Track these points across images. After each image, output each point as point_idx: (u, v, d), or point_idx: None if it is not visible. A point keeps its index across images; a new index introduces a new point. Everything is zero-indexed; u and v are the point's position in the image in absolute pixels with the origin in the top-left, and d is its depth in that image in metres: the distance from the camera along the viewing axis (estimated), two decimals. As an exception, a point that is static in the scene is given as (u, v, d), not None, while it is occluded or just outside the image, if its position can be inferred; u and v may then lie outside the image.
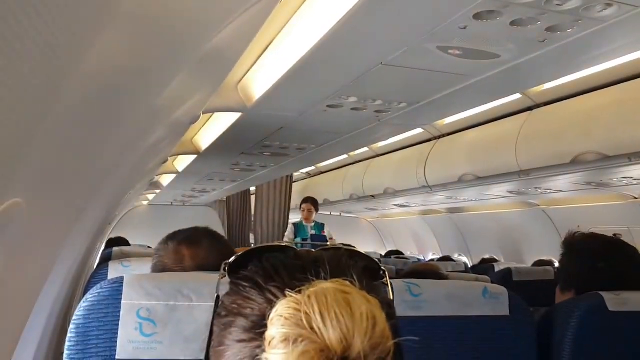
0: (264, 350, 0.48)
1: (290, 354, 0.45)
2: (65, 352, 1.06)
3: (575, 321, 1.30)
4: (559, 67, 1.77)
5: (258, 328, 0.50)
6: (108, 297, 1.07)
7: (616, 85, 2.93)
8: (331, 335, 0.45)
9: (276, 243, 0.63)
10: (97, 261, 3.40)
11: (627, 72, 2.84)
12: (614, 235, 1.63)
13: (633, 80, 2.83)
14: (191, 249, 1.31)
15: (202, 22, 0.97)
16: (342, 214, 7.96)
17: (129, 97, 0.95)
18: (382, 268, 0.62)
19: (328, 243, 6.09)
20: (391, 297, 0.58)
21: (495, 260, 5.15)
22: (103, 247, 5.01)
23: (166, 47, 0.91)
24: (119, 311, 1.06)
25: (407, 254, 6.83)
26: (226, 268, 0.61)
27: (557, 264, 4.32)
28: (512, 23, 1.39)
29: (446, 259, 5.17)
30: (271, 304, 0.50)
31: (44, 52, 0.46)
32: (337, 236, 7.01)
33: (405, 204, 6.06)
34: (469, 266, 4.76)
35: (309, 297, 0.47)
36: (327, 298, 0.47)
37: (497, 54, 1.59)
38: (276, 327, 0.47)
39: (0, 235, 0.60)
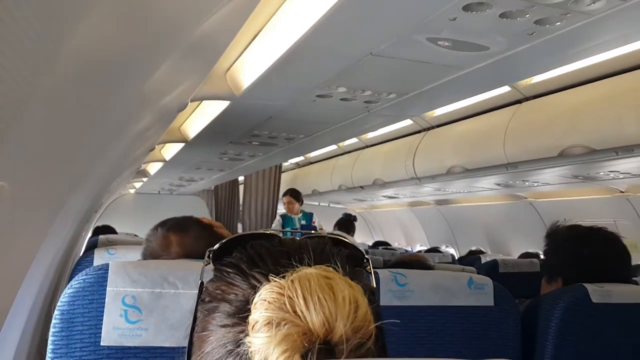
0: (247, 335, 0.48)
1: (274, 337, 0.45)
2: (50, 338, 1.06)
3: (558, 312, 1.31)
4: (548, 60, 1.77)
5: (242, 313, 0.51)
6: (93, 283, 1.07)
7: (604, 79, 2.95)
8: (314, 318, 0.46)
9: (261, 231, 0.63)
10: (83, 249, 3.39)
11: (616, 66, 2.85)
12: (597, 227, 1.64)
13: (621, 75, 2.85)
14: (179, 235, 1.32)
15: (190, 7, 0.96)
16: (331, 205, 7.97)
17: (117, 82, 0.94)
18: (366, 256, 0.63)
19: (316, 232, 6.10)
20: (374, 285, 0.59)
21: (482, 252, 5.19)
22: (90, 235, 4.99)
23: (154, 32, 0.90)
24: (104, 298, 1.06)
25: (395, 245, 6.86)
26: (210, 255, 0.61)
27: (542, 256, 4.36)
28: (501, 15, 1.39)
29: (433, 250, 5.20)
30: (255, 289, 0.51)
31: (27, 34, 0.45)
32: (326, 227, 7.02)
33: (394, 195, 6.07)
34: (456, 258, 4.79)
35: (292, 281, 0.48)
36: (310, 282, 0.47)
37: (486, 46, 1.60)
38: (259, 311, 0.47)
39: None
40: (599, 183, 3.97)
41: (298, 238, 0.61)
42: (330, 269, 0.51)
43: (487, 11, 1.37)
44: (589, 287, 1.33)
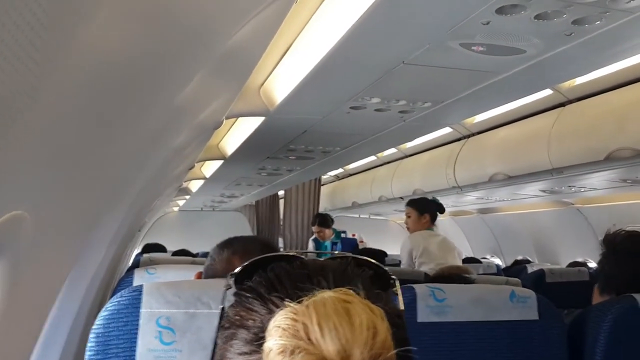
0: None
1: None
2: (86, 360, 1.07)
3: (607, 324, 1.25)
4: (587, 62, 1.70)
5: (259, 340, 0.49)
6: (127, 305, 1.07)
7: (652, 78, 2.83)
8: (329, 346, 0.44)
9: (283, 252, 0.61)
10: (128, 267, 3.45)
11: (663, 64, 2.74)
12: None
13: (670, 72, 2.73)
14: (243, 260, 1.31)
15: (218, 19, 0.96)
16: (371, 216, 7.91)
17: (146, 95, 0.94)
18: (393, 277, 0.60)
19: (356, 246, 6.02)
20: (401, 307, 0.56)
21: (529, 262, 5.04)
22: (138, 252, 5.09)
23: (182, 44, 0.90)
24: (139, 320, 1.06)
25: (439, 256, 6.73)
26: (233, 278, 0.59)
27: (591, 264, 4.21)
28: (537, 17, 1.34)
29: (473, 260, 5.06)
30: (273, 315, 0.49)
31: (43, 40, 0.44)
32: (367, 239, 6.97)
33: (435, 205, 5.98)
34: (502, 268, 4.66)
35: (307, 307, 0.46)
36: (326, 307, 0.46)
37: (523, 49, 1.54)
38: (274, 338, 0.46)
39: (5, 248, 0.59)
40: (650, 186, 3.81)
41: (319, 259, 0.59)
42: (350, 291, 0.49)
43: (521, 13, 1.32)
44: (638, 297, 1.26)
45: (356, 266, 0.57)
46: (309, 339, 0.44)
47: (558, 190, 4.27)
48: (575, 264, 4.27)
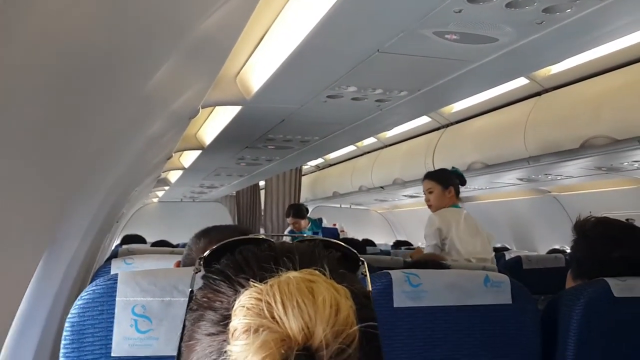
0: (229, 343, 0.47)
1: (251, 345, 0.44)
2: (61, 350, 1.06)
3: (579, 308, 1.27)
4: (560, 50, 1.72)
5: (225, 320, 0.50)
6: (103, 294, 1.07)
7: (625, 67, 2.87)
8: (292, 324, 0.44)
9: (252, 236, 0.61)
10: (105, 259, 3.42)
11: (636, 53, 2.78)
12: (627, 220, 1.58)
13: (643, 61, 2.77)
14: None
15: (188, 5, 0.95)
16: (352, 206, 7.95)
17: (114, 82, 0.93)
18: (361, 259, 0.61)
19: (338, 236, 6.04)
20: (369, 289, 0.57)
21: (507, 249, 5.11)
22: (117, 244, 5.05)
23: (151, 30, 0.89)
24: (114, 308, 1.06)
25: (419, 244, 6.79)
26: (201, 262, 0.60)
27: (569, 251, 4.28)
28: (508, 5, 1.35)
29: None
30: (239, 295, 0.49)
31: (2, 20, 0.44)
32: (348, 228, 7.00)
33: (415, 195, 6.02)
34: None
35: (271, 286, 0.46)
36: (289, 286, 0.46)
37: (495, 37, 1.56)
38: (238, 317, 0.46)
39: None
40: (623, 174, 3.87)
41: (287, 242, 0.59)
42: (315, 272, 0.49)
43: (493, 1, 1.33)
44: (611, 281, 1.28)
45: (324, 248, 0.57)
46: (273, 318, 0.45)
47: (535, 179, 4.33)
48: (554, 251, 4.34)
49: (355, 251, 0.61)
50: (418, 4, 1.36)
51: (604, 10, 1.36)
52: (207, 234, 1.38)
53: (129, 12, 0.73)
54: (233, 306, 0.49)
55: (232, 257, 0.56)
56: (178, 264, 1.45)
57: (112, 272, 1.85)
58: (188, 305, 0.57)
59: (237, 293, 0.50)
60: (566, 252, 4.34)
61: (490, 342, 1.28)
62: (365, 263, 0.61)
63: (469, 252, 2.99)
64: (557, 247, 4.91)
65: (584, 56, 2.92)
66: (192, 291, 0.58)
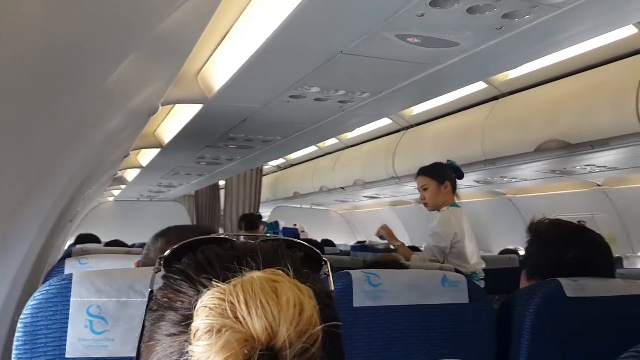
0: (190, 343, 0.46)
1: (214, 345, 0.44)
2: (14, 352, 1.04)
3: (533, 308, 1.31)
4: (519, 55, 1.77)
5: (187, 321, 0.49)
6: (57, 294, 1.05)
7: (579, 74, 2.97)
8: (256, 324, 0.44)
9: (214, 235, 0.61)
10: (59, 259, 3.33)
11: (591, 59, 2.88)
12: (579, 222, 1.63)
13: (596, 68, 2.87)
14: None
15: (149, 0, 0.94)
16: (313, 207, 7.96)
17: (71, 76, 0.91)
18: (324, 259, 0.61)
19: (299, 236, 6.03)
20: (332, 288, 0.57)
21: (464, 250, 5.19)
22: (71, 243, 4.92)
23: (111, 25, 0.87)
24: (68, 309, 1.03)
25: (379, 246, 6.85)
26: (161, 262, 0.59)
27: (522, 252, 4.39)
28: (469, 10, 1.38)
29: (414, 249, 5.18)
30: (201, 296, 0.49)
31: None
32: (308, 229, 7.01)
33: (375, 196, 6.07)
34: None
35: (234, 286, 0.46)
36: (253, 286, 0.46)
37: (456, 42, 1.59)
38: (201, 318, 0.46)
39: None
40: (576, 177, 4.00)
41: (251, 241, 0.59)
42: (279, 272, 0.49)
43: (454, 6, 1.35)
44: (563, 281, 1.32)
45: (287, 248, 0.57)
46: (236, 318, 0.44)
47: (491, 181, 4.43)
48: (506, 251, 4.45)
49: (318, 251, 0.61)
50: (382, 7, 1.38)
51: (561, 17, 1.40)
52: (166, 234, 1.36)
53: (89, 7, 0.71)
54: (195, 306, 0.48)
55: (193, 257, 0.55)
56: (138, 265, 1.43)
57: (67, 272, 1.80)
58: (148, 306, 0.56)
59: (199, 293, 0.49)
60: (519, 252, 4.46)
61: (448, 341, 1.30)
62: (328, 263, 0.61)
63: (475, 264, 2.82)
64: (510, 247, 5.03)
65: (540, 62, 3.01)
66: (152, 291, 0.57)
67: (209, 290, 0.48)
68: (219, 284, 0.47)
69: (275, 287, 0.46)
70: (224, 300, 0.45)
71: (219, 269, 0.51)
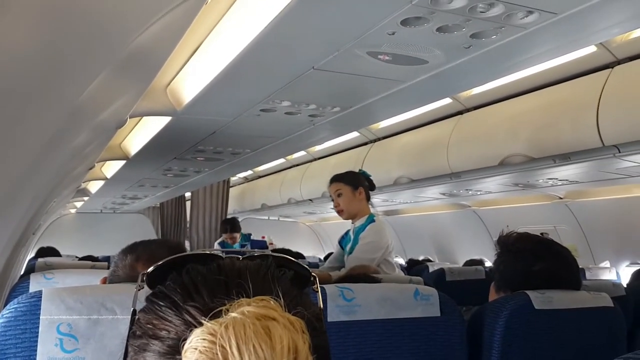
0: None
1: None
2: (-19, 371, 1.00)
3: (503, 320, 1.33)
4: (485, 73, 1.82)
5: (173, 354, 0.47)
6: (25, 312, 1.02)
7: (541, 90, 3.06)
8: None
9: (200, 251, 0.60)
10: (21, 273, 3.23)
11: (551, 77, 2.97)
12: (541, 234, 1.67)
13: (556, 85, 2.96)
14: (147, 267, 1.25)
15: (123, 19, 0.93)
16: (281, 218, 7.94)
17: (44, 96, 0.90)
18: (313, 274, 0.60)
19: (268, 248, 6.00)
20: (321, 306, 0.56)
21: (430, 261, 5.26)
22: (32, 256, 4.78)
23: (85, 44, 0.87)
24: (38, 327, 1.01)
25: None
26: (144, 279, 0.57)
27: (487, 263, 4.47)
28: (439, 29, 1.41)
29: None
30: (189, 327, 0.47)
31: None
32: (276, 241, 6.98)
33: (342, 208, 6.09)
34: (404, 267, 4.84)
35: (226, 327, 0.44)
36: (245, 329, 0.44)
37: (425, 59, 1.62)
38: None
39: None
40: (538, 190, 4.10)
41: (239, 257, 0.57)
42: (271, 303, 0.48)
43: (424, 25, 1.39)
44: (531, 294, 1.35)
45: (277, 267, 0.55)
46: None
47: (456, 193, 4.50)
48: (472, 261, 4.51)
49: (308, 268, 0.60)
50: (354, 25, 1.40)
51: (527, 38, 1.45)
52: (134, 250, 1.32)
53: (64, 26, 0.71)
54: (182, 337, 0.47)
55: (179, 278, 0.53)
56: (104, 281, 1.39)
57: (32, 288, 1.75)
58: (131, 328, 0.54)
59: (185, 324, 0.48)
60: (484, 262, 4.54)
61: (420, 354, 1.31)
62: (317, 279, 0.60)
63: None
64: (475, 258, 5.12)
65: (503, 78, 3.08)
66: (134, 311, 0.55)
67: (196, 326, 0.46)
68: (207, 323, 0.45)
69: (269, 328, 0.44)
70: (214, 343, 0.44)
71: (206, 296, 0.49)
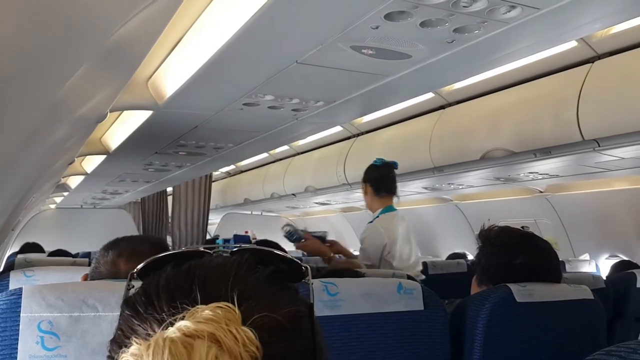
0: None
1: None
2: (-41, 371, 0.99)
3: (485, 313, 1.34)
4: (468, 67, 1.83)
5: None
6: (6, 310, 1.01)
7: (522, 84, 3.08)
8: None
9: (184, 248, 0.58)
10: (1, 269, 3.19)
11: (532, 71, 2.99)
12: (522, 227, 1.69)
13: (537, 79, 2.98)
14: (129, 263, 1.24)
15: (104, 11, 0.92)
16: (264, 213, 7.92)
17: (23, 92, 0.88)
18: (304, 266, 0.56)
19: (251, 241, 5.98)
20: (312, 298, 0.52)
21: (412, 255, 5.28)
22: (13, 252, 4.72)
23: (65, 39, 0.85)
24: (18, 325, 0.99)
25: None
26: (135, 276, 0.56)
27: (470, 256, 4.51)
28: (422, 24, 1.42)
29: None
30: (148, 339, 0.46)
31: None
32: (260, 235, 6.96)
33: (326, 202, 6.10)
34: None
35: (148, 347, 0.42)
36: (163, 351, 0.42)
37: (409, 54, 1.62)
38: None
39: None
40: (519, 184, 4.14)
41: (223, 254, 0.56)
42: (213, 317, 0.44)
43: (408, 20, 1.39)
44: (513, 287, 1.37)
45: (259, 263, 0.53)
46: None
47: (439, 187, 4.53)
48: (454, 255, 4.56)
49: (294, 259, 0.57)
50: (338, 18, 1.39)
51: (509, 32, 1.46)
52: (116, 246, 1.31)
53: (42, 19, 0.70)
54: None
55: (151, 280, 0.52)
56: (85, 278, 1.37)
57: (12, 285, 1.73)
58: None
59: (147, 334, 0.47)
60: (466, 255, 4.58)
61: (404, 347, 1.32)
62: (310, 269, 0.56)
63: (409, 266, 2.73)
64: (458, 251, 5.16)
65: (484, 73, 3.10)
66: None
67: (155, 332, 0.45)
68: (136, 341, 0.44)
69: (192, 347, 0.42)
70: None
71: (164, 303, 0.48)
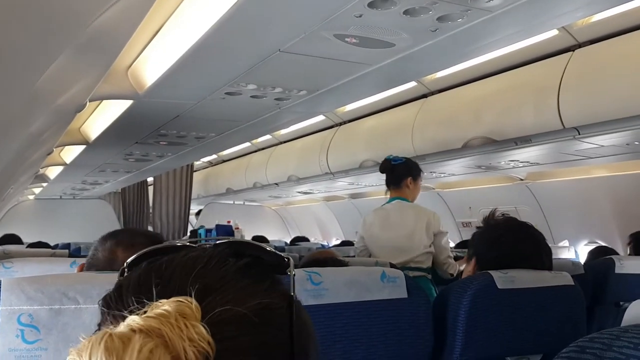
0: None
1: None
2: None
3: (467, 300, 1.36)
4: (451, 56, 1.83)
5: None
6: (-17, 303, 0.99)
7: (503, 73, 3.10)
8: None
9: (178, 242, 0.57)
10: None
11: (513, 60, 3.01)
12: (503, 214, 1.71)
13: (518, 68, 3.00)
14: (127, 252, 1.25)
15: (82, 0, 0.90)
16: (246, 203, 7.90)
17: (1, 77, 0.86)
18: (286, 257, 0.55)
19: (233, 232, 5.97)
20: (292, 292, 0.52)
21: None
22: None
23: (42, 25, 0.83)
24: (-3, 318, 0.98)
25: (312, 240, 6.90)
26: (125, 269, 0.55)
27: (451, 244, 4.54)
28: (405, 12, 1.41)
29: (347, 243, 5.27)
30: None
31: None
32: (242, 225, 6.95)
33: (308, 191, 6.10)
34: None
35: (83, 347, 0.42)
36: (97, 346, 0.41)
37: (392, 42, 1.62)
38: None
39: None
40: (500, 172, 4.18)
41: (207, 245, 0.55)
42: (175, 304, 0.44)
43: (391, 8, 1.38)
44: (494, 274, 1.38)
45: (237, 255, 0.52)
46: None
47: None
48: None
49: (276, 252, 0.55)
50: (320, 7, 1.38)
51: (492, 21, 1.46)
52: (116, 235, 1.34)
53: (19, 8, 0.68)
54: None
55: (127, 276, 0.52)
56: (82, 267, 1.37)
57: (-11, 277, 1.70)
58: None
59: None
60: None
61: (388, 334, 1.33)
62: (292, 261, 0.55)
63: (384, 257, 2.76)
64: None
65: (466, 62, 3.11)
66: None
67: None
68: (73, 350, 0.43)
69: (129, 340, 0.41)
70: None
71: (129, 298, 0.47)
